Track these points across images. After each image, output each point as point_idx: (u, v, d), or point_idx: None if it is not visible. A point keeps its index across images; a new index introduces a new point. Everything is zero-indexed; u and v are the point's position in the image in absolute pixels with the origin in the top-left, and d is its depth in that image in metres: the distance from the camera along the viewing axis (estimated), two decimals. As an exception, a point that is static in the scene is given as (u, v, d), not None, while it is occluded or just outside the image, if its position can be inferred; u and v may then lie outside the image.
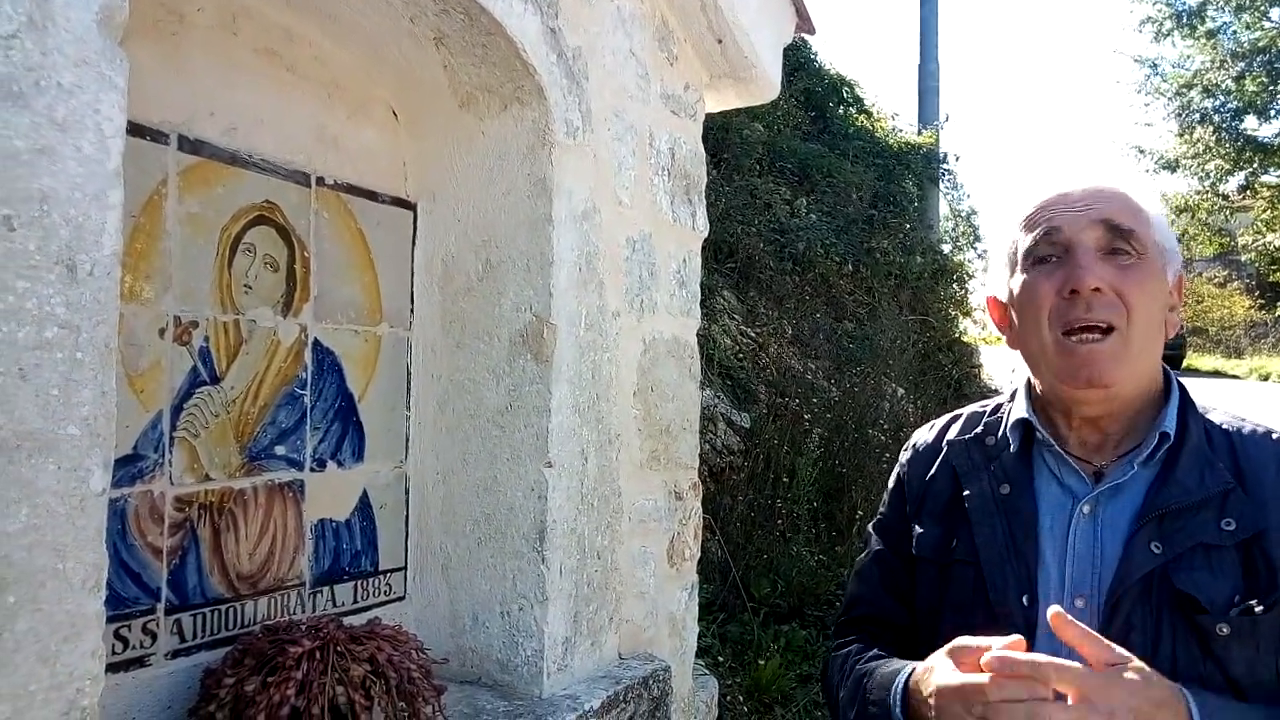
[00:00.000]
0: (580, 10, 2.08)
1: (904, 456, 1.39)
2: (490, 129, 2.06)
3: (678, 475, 2.49)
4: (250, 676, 1.53)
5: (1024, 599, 1.14)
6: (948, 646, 1.03)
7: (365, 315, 2.05)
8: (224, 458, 1.75)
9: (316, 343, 1.94)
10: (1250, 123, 19.00)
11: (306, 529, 1.91)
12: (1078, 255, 1.13)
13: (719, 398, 5.31)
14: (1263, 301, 22.26)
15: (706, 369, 5.03)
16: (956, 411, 1.38)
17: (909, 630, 1.27)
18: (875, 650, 1.25)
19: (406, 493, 2.14)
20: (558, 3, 2.00)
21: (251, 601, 1.80)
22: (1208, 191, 19.82)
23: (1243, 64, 18.45)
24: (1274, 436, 1.14)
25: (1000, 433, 1.26)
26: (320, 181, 1.94)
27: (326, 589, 1.95)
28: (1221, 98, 18.97)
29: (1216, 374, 17.64)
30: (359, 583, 2.03)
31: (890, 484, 1.39)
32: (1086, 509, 1.15)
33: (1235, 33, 18.79)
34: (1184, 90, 19.37)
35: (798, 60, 9.72)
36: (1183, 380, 1.23)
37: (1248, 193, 19.73)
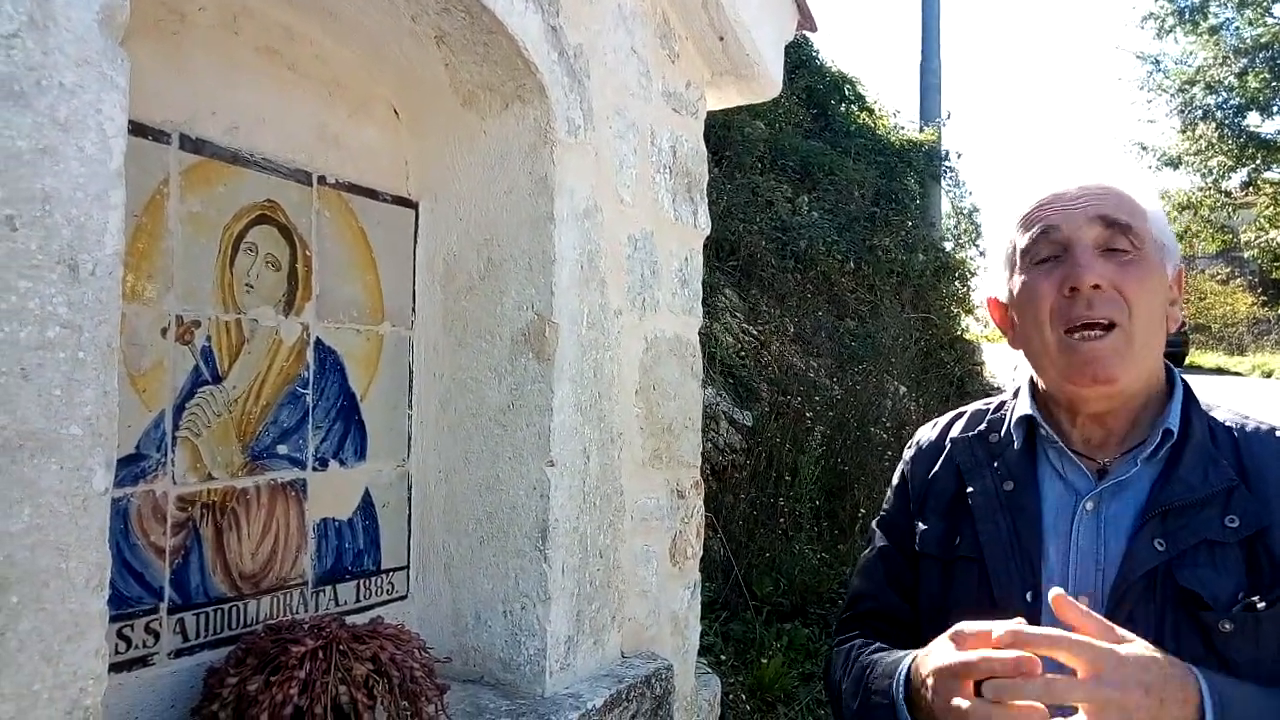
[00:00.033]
0: (581, 8, 2.08)
1: (907, 454, 1.39)
2: (492, 127, 2.06)
3: (680, 474, 2.49)
4: (253, 676, 1.53)
5: (1028, 595, 1.14)
6: (949, 631, 1.03)
7: (367, 314, 2.05)
8: (226, 457, 1.75)
9: (318, 342, 1.94)
10: (1253, 119, 18.97)
11: (309, 528, 1.91)
12: (1076, 253, 1.13)
13: (721, 396, 5.31)
14: (1265, 298, 22.24)
15: (708, 367, 5.03)
16: (960, 409, 1.38)
17: (912, 626, 1.27)
18: (878, 644, 1.25)
19: (409, 491, 2.14)
20: (559, 0, 1.99)
21: (254, 601, 1.80)
22: (1210, 188, 19.80)
23: (1245, 60, 18.41)
24: (1278, 434, 1.14)
25: (1004, 429, 1.27)
26: (322, 180, 1.94)
27: (329, 588, 1.95)
28: (1224, 94, 18.93)
29: (1219, 371, 17.62)
30: (361, 582, 2.03)
31: (894, 481, 1.39)
32: (1090, 505, 1.15)
33: (1238, 29, 18.75)
34: (1186, 87, 19.33)
35: (799, 58, 9.71)
36: (1185, 377, 1.23)
37: (1250, 189, 19.70)
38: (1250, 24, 18.48)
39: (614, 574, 2.19)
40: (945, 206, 11.45)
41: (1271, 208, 19.21)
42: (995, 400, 1.34)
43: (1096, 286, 1.11)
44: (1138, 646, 0.95)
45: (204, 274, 1.71)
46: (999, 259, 1.26)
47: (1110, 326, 1.11)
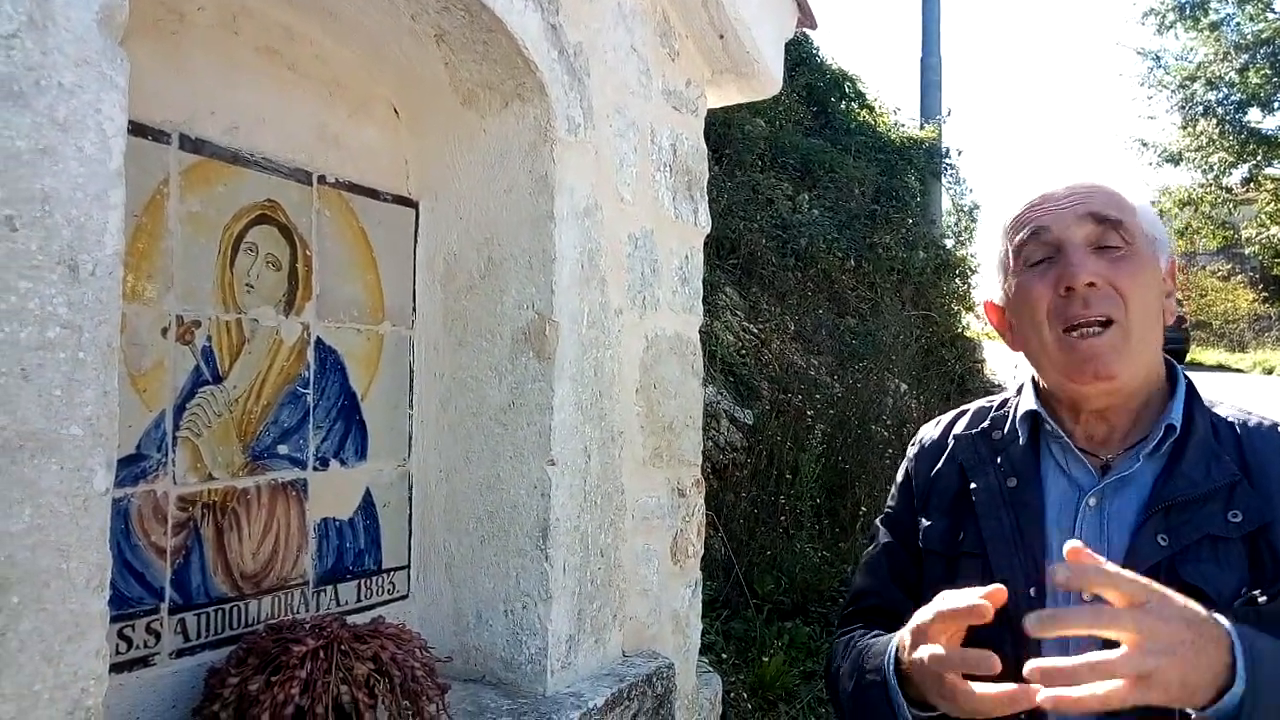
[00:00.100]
0: (581, 6, 2.07)
1: (911, 451, 1.39)
2: (492, 126, 2.06)
3: (681, 472, 2.49)
4: (254, 676, 1.53)
5: (1031, 591, 1.14)
6: (927, 607, 1.03)
7: (367, 314, 2.04)
8: (227, 457, 1.75)
9: (319, 341, 1.94)
10: (1254, 115, 18.95)
11: (310, 528, 1.91)
12: (1069, 252, 1.13)
13: (722, 394, 5.31)
14: (1266, 295, 22.22)
15: (709, 366, 5.03)
16: (963, 407, 1.39)
17: None
18: (876, 630, 1.25)
19: (409, 491, 2.14)
20: (558, -1, 1.99)
21: (255, 601, 1.80)
22: (1211, 185, 19.77)
23: (1246, 56, 18.39)
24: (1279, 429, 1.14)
25: (1007, 426, 1.27)
26: (322, 180, 1.94)
27: (330, 588, 1.95)
28: (1225, 90, 18.90)
29: (1220, 368, 17.61)
30: (362, 581, 2.03)
31: (898, 478, 1.40)
32: (1093, 501, 1.15)
33: (1238, 25, 18.72)
34: (1187, 83, 19.31)
35: (799, 55, 9.70)
36: (1187, 373, 1.23)
37: (1251, 186, 19.68)
38: (1251, 19, 18.45)
39: (615, 573, 2.19)
40: (946, 204, 11.44)
41: (1272, 204, 19.19)
42: (998, 398, 1.35)
43: (1091, 284, 1.11)
44: (1174, 603, 0.92)
45: (204, 274, 1.71)
46: (992, 263, 1.27)
47: (1108, 323, 1.11)
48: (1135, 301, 1.12)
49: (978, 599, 0.97)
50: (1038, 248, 1.17)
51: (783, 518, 4.94)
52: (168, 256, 1.64)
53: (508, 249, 2.04)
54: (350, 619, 1.76)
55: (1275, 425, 1.15)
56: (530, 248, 2.01)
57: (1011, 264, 1.21)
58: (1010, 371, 8.01)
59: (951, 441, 1.32)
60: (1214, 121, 18.92)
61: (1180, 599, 0.90)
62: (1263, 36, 18.21)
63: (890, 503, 1.40)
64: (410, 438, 2.14)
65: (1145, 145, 20.17)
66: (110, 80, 1.15)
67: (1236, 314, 22.36)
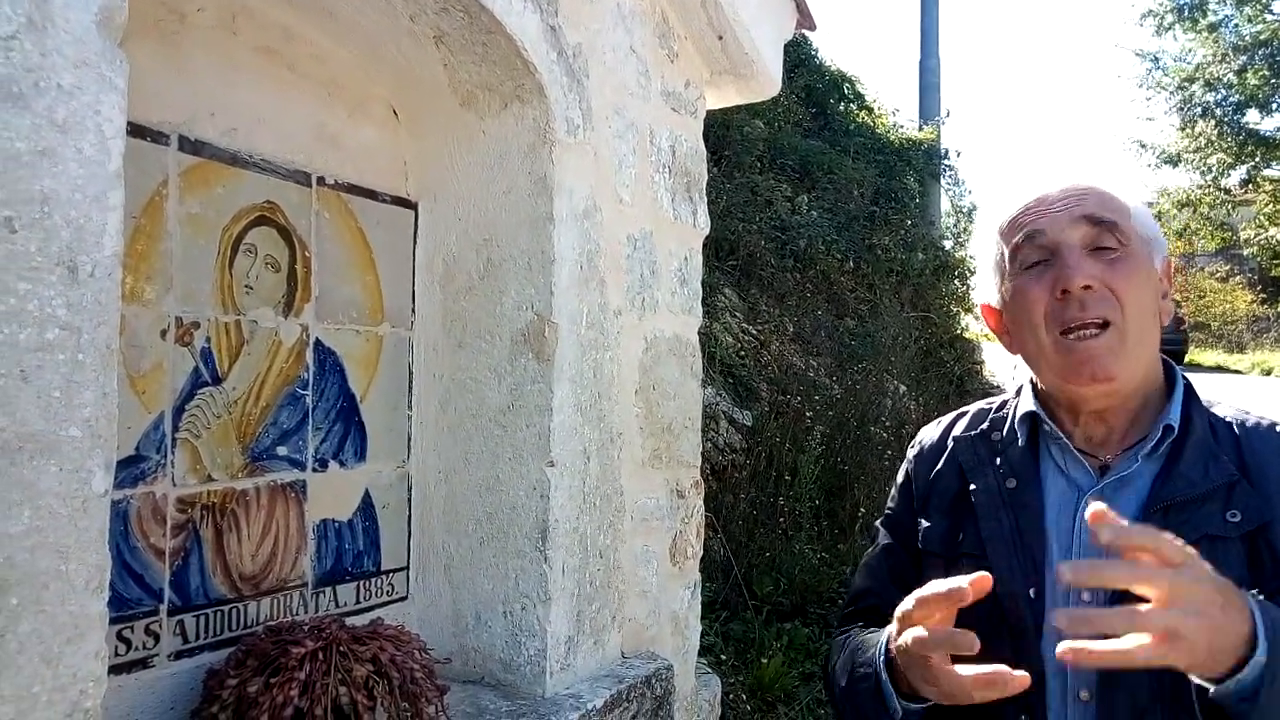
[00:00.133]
0: (580, 7, 2.07)
1: (910, 453, 1.40)
2: (490, 127, 2.06)
3: (680, 473, 2.49)
4: (253, 677, 1.53)
5: (1030, 591, 1.15)
6: (911, 595, 1.04)
7: (366, 315, 2.04)
8: (226, 458, 1.75)
9: (318, 343, 1.93)
10: (1252, 116, 18.96)
11: (309, 529, 1.91)
12: (1064, 255, 1.14)
13: (721, 396, 5.31)
14: (1265, 296, 22.22)
15: (708, 367, 5.03)
16: (963, 409, 1.39)
17: None
18: (873, 629, 1.26)
19: (409, 492, 2.14)
20: (557, 0, 1.99)
21: (254, 602, 1.80)
22: (1209, 186, 19.78)
23: (1244, 57, 18.40)
24: (1278, 429, 1.15)
25: (1006, 428, 1.27)
26: (321, 181, 1.94)
27: (329, 589, 1.95)
28: (1223, 91, 18.92)
29: (1219, 369, 17.62)
30: (361, 583, 2.03)
31: (898, 480, 1.41)
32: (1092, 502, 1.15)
33: (1237, 26, 18.74)
34: (1186, 84, 19.32)
35: (798, 57, 9.71)
36: (1186, 374, 1.24)
37: (1250, 187, 19.69)
38: (1249, 21, 18.46)
39: (614, 574, 2.19)
40: (945, 205, 11.45)
41: (1271, 205, 19.20)
42: (997, 400, 1.35)
43: (1087, 287, 1.12)
44: (1201, 566, 0.91)
45: (203, 275, 1.71)
46: (988, 266, 1.28)
47: (1104, 325, 1.12)
48: (1131, 303, 1.12)
49: (962, 584, 0.97)
50: (1033, 251, 1.17)
51: (782, 519, 4.94)
52: (167, 258, 1.64)
53: (507, 250, 2.04)
54: (349, 620, 1.76)
55: (1274, 425, 1.16)
56: (529, 249, 2.01)
57: (1008, 267, 1.21)
58: (1009, 373, 8.01)
59: (951, 443, 1.32)
60: (1212, 123, 18.93)
61: (1216, 580, 0.90)
62: (1261, 38, 18.22)
63: (890, 504, 1.40)
64: (409, 439, 2.14)
65: (1144, 146, 20.18)
66: (109, 82, 1.15)
67: (1235, 315, 22.36)
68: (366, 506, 2.04)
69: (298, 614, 1.86)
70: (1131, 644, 0.84)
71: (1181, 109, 19.50)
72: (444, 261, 2.14)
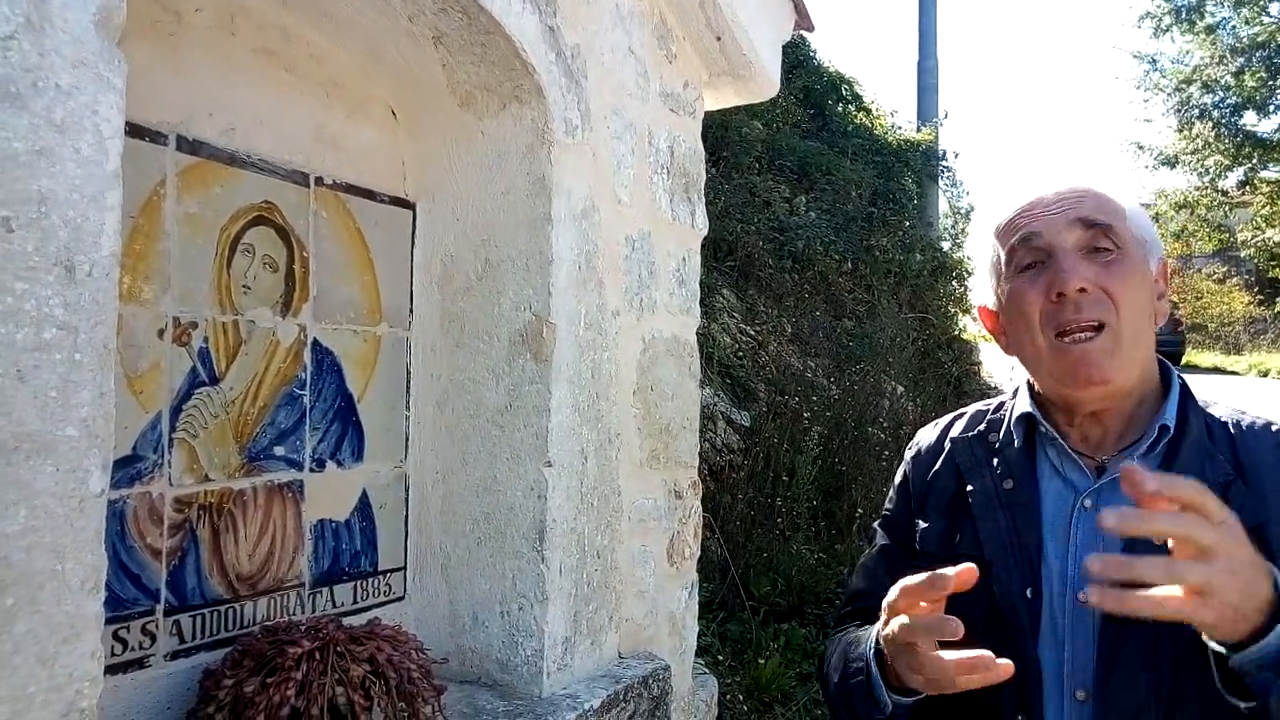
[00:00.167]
0: (578, 8, 2.08)
1: (908, 454, 1.40)
2: (489, 128, 2.06)
3: (677, 474, 2.49)
4: (249, 677, 1.52)
5: (1027, 592, 1.15)
6: (899, 583, 1.04)
7: (364, 315, 2.04)
8: (223, 458, 1.75)
9: (316, 343, 1.93)
10: (1249, 118, 18.98)
11: (306, 529, 1.91)
12: (1059, 258, 1.14)
13: (719, 396, 5.31)
14: (1261, 297, 22.26)
15: (706, 367, 5.03)
16: (960, 410, 1.40)
17: None
18: (868, 627, 1.26)
19: (406, 492, 2.14)
20: (556, 1, 1.99)
21: (251, 602, 1.80)
22: (1207, 187, 19.81)
23: (1242, 59, 18.42)
24: (1274, 428, 1.15)
25: (1003, 429, 1.28)
26: (319, 181, 1.94)
27: (326, 589, 1.95)
28: (1221, 93, 18.94)
29: (1216, 370, 17.64)
30: (358, 583, 2.03)
31: (896, 481, 1.41)
32: (1088, 502, 1.16)
33: (1234, 28, 18.76)
34: (1183, 86, 19.34)
35: (796, 58, 9.71)
36: (1183, 375, 1.24)
37: (1247, 188, 19.72)
38: (1247, 23, 18.49)
39: (611, 574, 2.19)
40: (943, 206, 11.46)
41: (1268, 206, 19.23)
42: (995, 401, 1.36)
43: (1082, 290, 1.12)
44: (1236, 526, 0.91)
45: (201, 275, 1.71)
46: (985, 268, 1.28)
47: (1099, 328, 1.12)
48: (1126, 305, 1.13)
49: (946, 573, 0.98)
50: (1029, 253, 1.18)
51: (779, 519, 4.94)
52: (164, 258, 1.64)
53: (505, 251, 2.04)
54: (346, 620, 1.76)
55: (1269, 425, 1.16)
56: (527, 249, 2.01)
57: (1004, 269, 1.22)
58: (1007, 374, 8.02)
59: (948, 444, 1.33)
60: (1210, 124, 18.95)
61: (1250, 545, 0.89)
62: (1258, 40, 18.25)
63: (888, 505, 1.41)
64: (407, 439, 2.14)
65: (1141, 148, 20.20)
66: (107, 82, 1.14)
67: (1232, 316, 22.39)
68: (364, 506, 2.04)
69: (294, 614, 1.86)
70: (1162, 594, 0.83)
71: (1179, 111, 19.52)
72: (442, 262, 2.14)
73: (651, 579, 2.38)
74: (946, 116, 12.08)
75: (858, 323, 7.72)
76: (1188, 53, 19.59)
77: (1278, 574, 0.91)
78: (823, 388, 6.22)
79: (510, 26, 1.86)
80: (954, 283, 10.01)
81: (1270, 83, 18.17)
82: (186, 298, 1.68)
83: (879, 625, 1.12)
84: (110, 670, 1.48)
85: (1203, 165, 19.40)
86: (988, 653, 0.94)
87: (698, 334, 2.58)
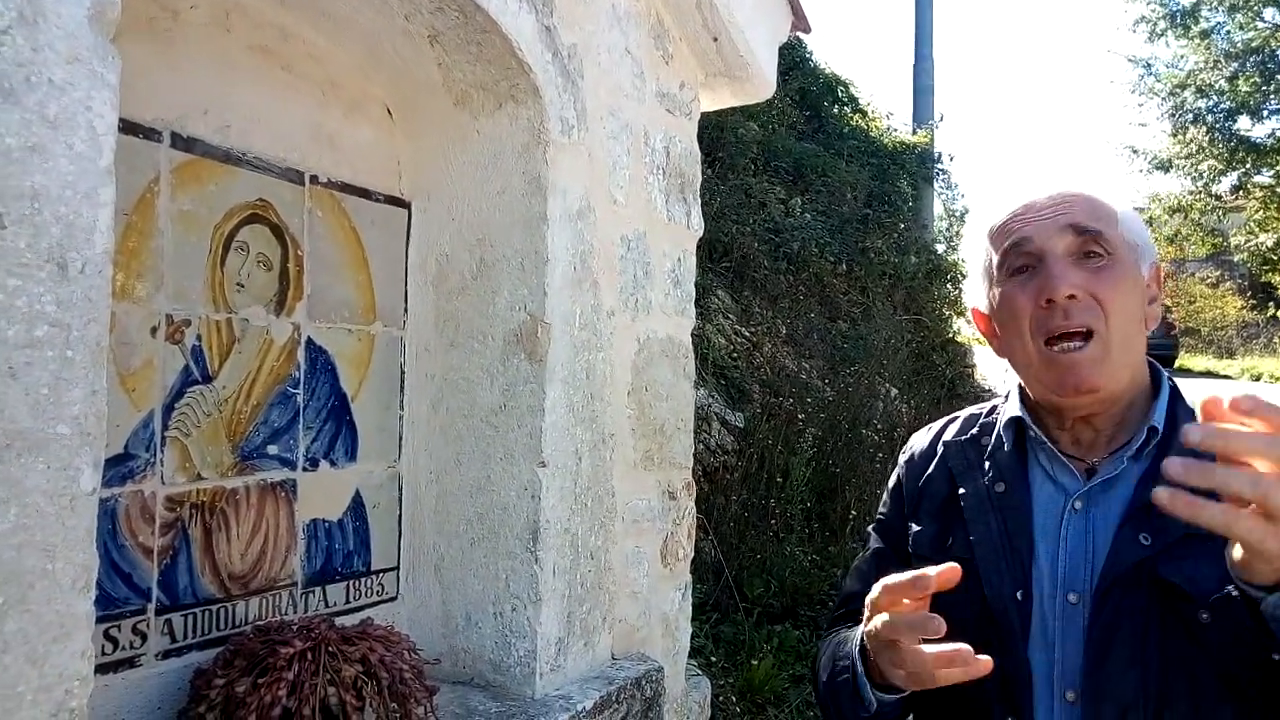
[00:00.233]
0: (575, 8, 2.07)
1: (902, 458, 1.41)
2: (485, 127, 2.05)
3: (671, 475, 2.49)
4: (241, 677, 1.52)
5: (1018, 594, 1.16)
6: (882, 581, 1.05)
7: (359, 314, 2.04)
8: (216, 457, 1.74)
9: (309, 341, 1.93)
10: (1243, 123, 19.03)
11: (299, 529, 1.90)
12: (1049, 264, 1.15)
13: (713, 397, 5.31)
14: (1254, 302, 22.34)
15: (701, 368, 5.03)
16: (954, 414, 1.41)
17: None
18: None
19: (399, 492, 2.13)
20: (553, 1, 1.99)
21: (243, 602, 1.79)
22: (1201, 192, 19.86)
23: (1236, 64, 18.48)
24: None
25: (995, 432, 1.28)
26: (314, 180, 1.94)
27: (318, 589, 1.95)
28: (1215, 98, 18.99)
29: (1209, 374, 17.69)
30: (351, 583, 2.02)
31: (889, 485, 1.42)
32: (1078, 505, 1.16)
33: (1229, 33, 18.82)
34: (1178, 90, 19.39)
35: (793, 59, 9.72)
36: (1176, 380, 1.24)
37: (1240, 193, 19.78)
38: (1241, 28, 18.54)
39: (605, 575, 2.19)
40: (938, 209, 11.49)
41: (1261, 211, 19.29)
42: (988, 405, 1.36)
43: (1072, 296, 1.13)
44: None
45: (194, 273, 1.70)
46: (978, 271, 1.29)
47: (1088, 334, 1.13)
48: (1116, 312, 1.13)
49: (928, 573, 0.98)
50: (1020, 257, 1.19)
51: (773, 521, 4.94)
52: (158, 255, 1.63)
53: (500, 250, 2.03)
54: (339, 620, 1.76)
55: None
56: (523, 249, 2.00)
57: (996, 273, 1.23)
58: (1001, 377, 8.04)
59: (941, 448, 1.34)
60: (1204, 129, 19.00)
61: None
62: (1252, 45, 18.31)
63: (881, 509, 1.42)
64: (400, 439, 2.13)
65: (1136, 152, 20.25)
66: (101, 78, 1.14)
67: (1225, 321, 22.48)
68: (357, 506, 2.03)
69: (287, 614, 1.86)
70: (1229, 508, 0.80)
71: (1173, 115, 19.57)
72: (437, 261, 2.13)
73: (645, 580, 2.38)
74: (942, 119, 12.11)
75: (852, 325, 7.73)
76: (1182, 57, 19.64)
77: None
78: (817, 389, 6.22)
79: (507, 26, 1.86)
80: (948, 285, 10.03)
81: (1264, 88, 18.24)
82: (180, 295, 1.67)
83: (863, 623, 1.12)
84: (101, 669, 1.47)
85: (1196, 170, 19.46)
86: (966, 647, 0.95)
87: (692, 335, 2.58)
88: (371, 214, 2.06)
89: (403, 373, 2.14)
